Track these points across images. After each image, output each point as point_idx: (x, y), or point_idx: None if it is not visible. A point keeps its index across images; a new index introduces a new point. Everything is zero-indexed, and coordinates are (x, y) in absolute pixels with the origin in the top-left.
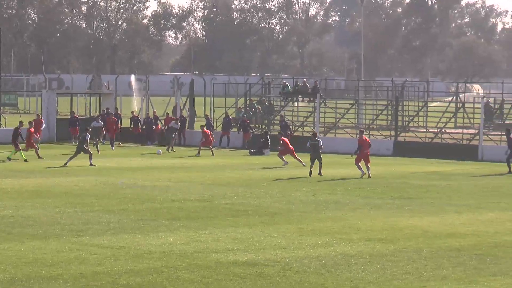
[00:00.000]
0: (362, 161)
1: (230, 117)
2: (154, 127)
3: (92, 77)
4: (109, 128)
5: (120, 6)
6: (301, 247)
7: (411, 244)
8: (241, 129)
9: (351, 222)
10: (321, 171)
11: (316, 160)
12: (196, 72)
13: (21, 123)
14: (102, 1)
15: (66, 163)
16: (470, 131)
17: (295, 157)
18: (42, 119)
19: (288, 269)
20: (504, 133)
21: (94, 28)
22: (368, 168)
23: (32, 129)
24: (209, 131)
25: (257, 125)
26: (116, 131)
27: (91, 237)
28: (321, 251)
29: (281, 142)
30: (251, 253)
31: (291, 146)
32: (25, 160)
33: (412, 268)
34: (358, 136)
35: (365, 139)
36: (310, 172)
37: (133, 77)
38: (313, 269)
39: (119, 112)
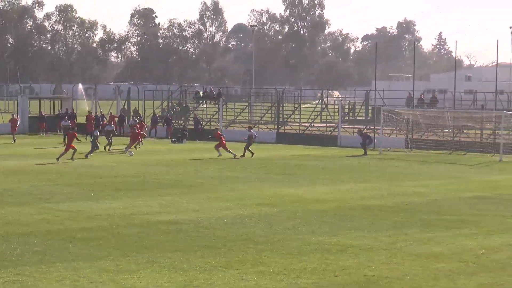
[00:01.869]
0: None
1: (157, 115)
2: (101, 122)
3: (55, 86)
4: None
5: (76, 34)
6: (209, 210)
7: (290, 208)
8: (165, 124)
9: (246, 191)
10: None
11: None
12: (132, 82)
13: None
14: (62, 30)
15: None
16: (331, 125)
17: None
18: (18, 117)
19: (200, 226)
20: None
21: (56, 50)
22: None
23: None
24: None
25: (176, 121)
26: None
27: (55, 203)
28: (224, 213)
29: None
30: (173, 214)
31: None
32: None
33: (290, 225)
34: (216, 131)
35: (219, 133)
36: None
37: (80, 85)
38: (218, 226)
39: (74, 111)
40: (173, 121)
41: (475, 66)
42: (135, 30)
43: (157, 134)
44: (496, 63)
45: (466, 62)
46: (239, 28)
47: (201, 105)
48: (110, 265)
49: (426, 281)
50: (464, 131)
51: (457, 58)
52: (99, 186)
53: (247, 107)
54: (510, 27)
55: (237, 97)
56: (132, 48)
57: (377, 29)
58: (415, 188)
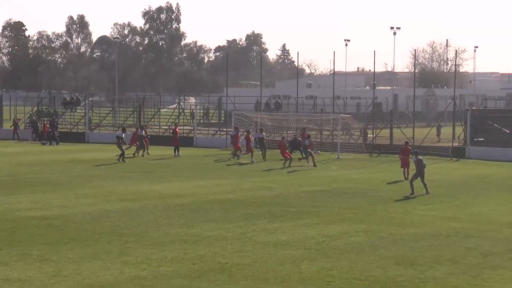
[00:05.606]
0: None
1: (17, 120)
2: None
3: None
4: None
5: None
6: (77, 206)
7: (151, 202)
8: (32, 128)
9: (110, 189)
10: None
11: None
12: (4, 90)
13: None
14: None
15: None
16: (188, 127)
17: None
18: None
19: (68, 221)
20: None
21: None
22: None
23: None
24: None
25: (48, 125)
26: None
27: None
28: (90, 208)
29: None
30: (43, 210)
31: None
32: None
33: (151, 218)
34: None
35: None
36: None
37: None
38: (85, 220)
39: None
40: (45, 123)
41: (315, 74)
42: (7, 42)
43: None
44: (333, 71)
45: (307, 71)
46: (103, 40)
47: (69, 110)
48: None
49: (274, 266)
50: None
51: (299, 67)
52: None
53: (111, 112)
54: (345, 40)
55: (102, 102)
56: (4, 58)
57: (228, 41)
58: (264, 184)
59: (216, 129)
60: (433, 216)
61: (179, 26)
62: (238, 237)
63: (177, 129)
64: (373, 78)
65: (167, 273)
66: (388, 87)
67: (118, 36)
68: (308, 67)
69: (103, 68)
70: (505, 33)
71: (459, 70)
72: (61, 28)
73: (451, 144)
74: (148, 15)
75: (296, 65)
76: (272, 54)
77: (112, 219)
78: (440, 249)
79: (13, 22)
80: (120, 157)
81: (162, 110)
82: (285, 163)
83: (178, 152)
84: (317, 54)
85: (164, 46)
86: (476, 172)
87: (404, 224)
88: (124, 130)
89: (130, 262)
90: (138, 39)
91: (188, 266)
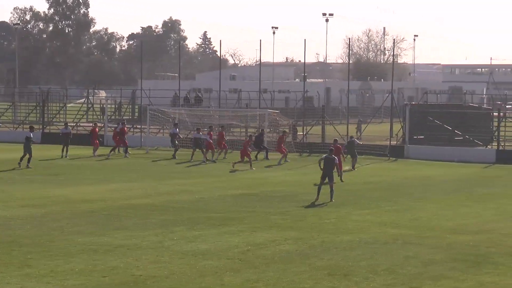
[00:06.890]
0: None
1: None
2: None
3: None
4: None
5: None
6: None
7: (56, 208)
8: None
9: (10, 193)
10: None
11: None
12: None
13: None
14: None
15: None
16: (99, 124)
17: None
18: None
19: None
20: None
21: None
22: None
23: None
24: None
25: None
26: None
27: None
28: None
29: None
30: None
31: None
32: None
33: (57, 226)
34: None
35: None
36: None
37: None
38: None
39: None
40: None
41: (239, 65)
42: None
43: None
44: (259, 62)
45: (231, 61)
46: (1, 26)
47: None
48: None
49: (193, 278)
50: (230, 129)
51: (221, 58)
52: None
53: (11, 107)
54: (272, 28)
55: (0, 96)
56: None
57: (143, 28)
58: (183, 187)
59: (129, 126)
60: (369, 222)
61: (88, 11)
62: (154, 246)
63: (125, 128)
64: (303, 70)
65: (74, 286)
66: (320, 80)
67: (18, 22)
68: (232, 57)
69: (1, 58)
70: (446, 21)
71: (397, 61)
72: None
73: (388, 142)
74: None
75: (219, 55)
76: (192, 42)
77: (12, 227)
78: (377, 258)
79: None
80: (21, 160)
81: (68, 105)
82: (236, 163)
83: (127, 151)
84: (241, 43)
85: (71, 33)
86: (416, 173)
87: (338, 231)
88: (32, 129)
89: (32, 274)
90: (41, 25)
91: (97, 279)
